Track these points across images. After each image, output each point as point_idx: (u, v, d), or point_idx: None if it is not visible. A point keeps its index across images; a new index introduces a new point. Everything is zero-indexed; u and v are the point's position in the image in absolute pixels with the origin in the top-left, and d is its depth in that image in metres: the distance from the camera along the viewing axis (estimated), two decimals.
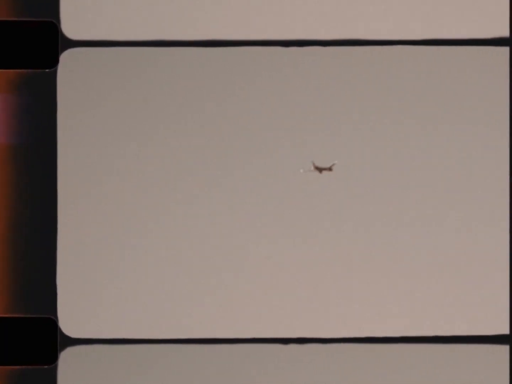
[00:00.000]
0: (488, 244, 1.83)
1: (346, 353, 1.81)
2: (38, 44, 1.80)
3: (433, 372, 1.82)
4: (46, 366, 1.80)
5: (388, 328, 1.82)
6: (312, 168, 1.77)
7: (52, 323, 1.80)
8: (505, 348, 1.81)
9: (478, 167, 1.83)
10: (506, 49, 1.81)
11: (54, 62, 1.80)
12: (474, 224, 1.83)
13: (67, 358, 1.80)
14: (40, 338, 1.80)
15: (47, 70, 1.80)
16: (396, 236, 1.83)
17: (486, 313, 1.82)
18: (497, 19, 1.82)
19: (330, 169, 1.80)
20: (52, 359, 1.80)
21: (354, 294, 1.82)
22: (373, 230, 1.83)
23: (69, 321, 1.81)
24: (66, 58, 1.80)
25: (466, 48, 1.82)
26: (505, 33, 1.81)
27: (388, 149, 1.83)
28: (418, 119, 1.83)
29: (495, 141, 1.83)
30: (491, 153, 1.83)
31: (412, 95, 1.83)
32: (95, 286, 1.82)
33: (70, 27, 1.80)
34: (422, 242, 1.83)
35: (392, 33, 1.82)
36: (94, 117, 1.82)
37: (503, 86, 1.82)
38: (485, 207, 1.83)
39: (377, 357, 1.81)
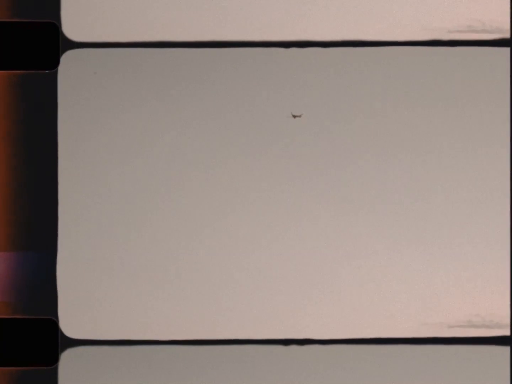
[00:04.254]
0: (489, 246, 1.83)
1: (347, 354, 1.81)
2: (39, 45, 1.81)
3: (435, 373, 1.82)
4: (47, 367, 1.80)
5: (390, 329, 1.82)
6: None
7: (53, 324, 1.80)
8: (506, 349, 1.81)
9: (479, 166, 1.83)
10: (507, 50, 1.82)
11: (55, 63, 1.80)
12: (474, 225, 1.83)
13: (67, 359, 1.80)
14: (41, 339, 1.80)
15: (48, 71, 1.80)
16: (397, 238, 1.83)
17: (487, 314, 1.82)
18: (498, 20, 1.82)
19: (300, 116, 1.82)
20: (53, 360, 1.80)
21: (354, 296, 1.82)
22: (373, 233, 1.83)
23: (70, 323, 1.81)
24: (67, 59, 1.80)
25: (468, 49, 1.82)
26: (506, 34, 1.82)
27: (389, 149, 1.83)
28: (419, 119, 1.83)
29: (496, 139, 1.83)
30: (492, 151, 1.83)
31: (413, 96, 1.83)
32: (96, 288, 1.82)
33: (71, 28, 1.81)
34: (423, 244, 1.83)
35: (393, 34, 1.82)
36: (94, 118, 1.83)
37: (504, 86, 1.83)
38: (486, 207, 1.83)
39: (378, 358, 1.81)
